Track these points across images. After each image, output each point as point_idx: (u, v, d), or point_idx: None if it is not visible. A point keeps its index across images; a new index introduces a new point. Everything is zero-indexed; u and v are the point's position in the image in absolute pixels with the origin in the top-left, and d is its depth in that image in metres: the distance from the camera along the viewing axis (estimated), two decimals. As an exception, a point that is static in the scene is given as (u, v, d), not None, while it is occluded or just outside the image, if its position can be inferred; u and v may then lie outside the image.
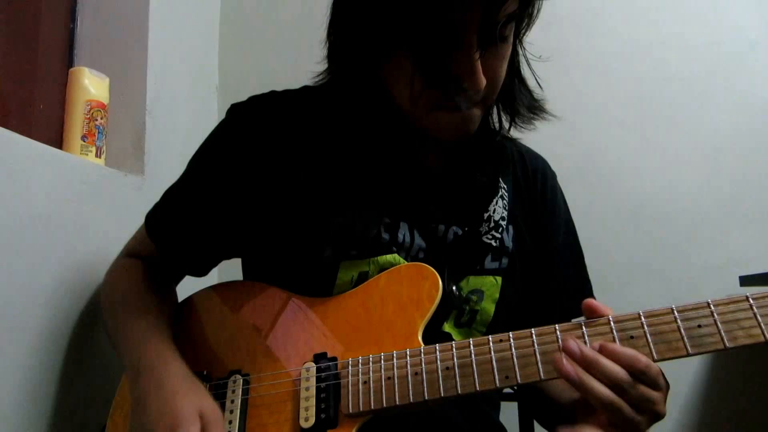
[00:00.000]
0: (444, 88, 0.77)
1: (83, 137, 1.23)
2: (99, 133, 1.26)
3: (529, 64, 0.91)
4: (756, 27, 1.67)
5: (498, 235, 0.92)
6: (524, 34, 0.85)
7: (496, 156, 0.97)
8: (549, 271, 0.99)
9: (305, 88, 0.95)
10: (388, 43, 0.77)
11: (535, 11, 0.79)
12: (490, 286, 0.91)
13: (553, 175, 1.06)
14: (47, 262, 0.99)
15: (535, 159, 1.06)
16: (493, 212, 0.93)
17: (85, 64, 1.31)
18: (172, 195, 0.97)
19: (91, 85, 1.26)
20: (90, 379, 1.07)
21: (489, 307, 0.91)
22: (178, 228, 0.94)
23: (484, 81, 0.76)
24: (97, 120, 1.25)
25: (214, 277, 1.59)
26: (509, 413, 1.15)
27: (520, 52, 0.89)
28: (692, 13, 1.71)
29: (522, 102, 0.91)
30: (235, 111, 0.94)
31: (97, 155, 1.26)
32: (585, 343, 0.68)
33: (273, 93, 0.95)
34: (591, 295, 1.01)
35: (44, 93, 1.24)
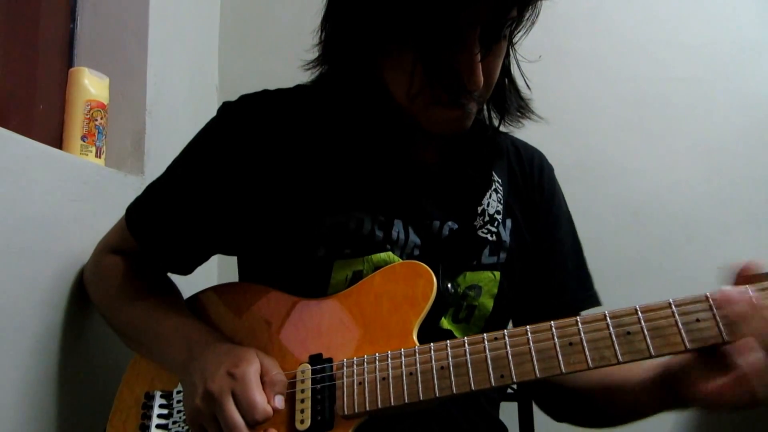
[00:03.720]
0: (445, 85, 0.77)
1: (83, 137, 1.23)
2: (99, 133, 1.26)
3: (518, 65, 0.92)
4: (756, 27, 1.67)
5: (494, 229, 0.92)
6: (519, 38, 0.86)
7: (488, 150, 0.97)
8: (550, 263, 0.99)
9: (299, 86, 0.95)
10: (390, 37, 0.77)
11: (534, 16, 0.80)
12: (488, 281, 0.91)
13: (550, 168, 1.06)
14: (47, 262, 0.99)
15: (531, 151, 1.06)
16: (488, 206, 0.92)
17: (85, 64, 1.31)
18: (156, 190, 0.96)
19: (91, 85, 1.26)
20: (89, 381, 1.07)
21: (487, 302, 0.91)
22: (162, 225, 0.94)
23: (482, 80, 0.77)
24: (97, 120, 1.26)
25: (214, 277, 1.61)
26: (509, 413, 1.15)
27: (512, 53, 0.89)
28: (692, 13, 1.71)
29: (511, 101, 0.92)
30: (226, 109, 0.94)
31: (97, 155, 1.26)
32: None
33: (265, 92, 0.95)
34: (593, 289, 1.01)
35: (44, 93, 1.24)
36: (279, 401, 0.75)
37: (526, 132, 0.97)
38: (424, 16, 0.72)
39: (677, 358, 0.72)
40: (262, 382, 0.75)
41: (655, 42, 1.71)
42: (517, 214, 0.97)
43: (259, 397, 0.72)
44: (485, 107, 0.93)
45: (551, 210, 1.01)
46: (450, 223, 0.91)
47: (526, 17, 0.79)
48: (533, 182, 1.01)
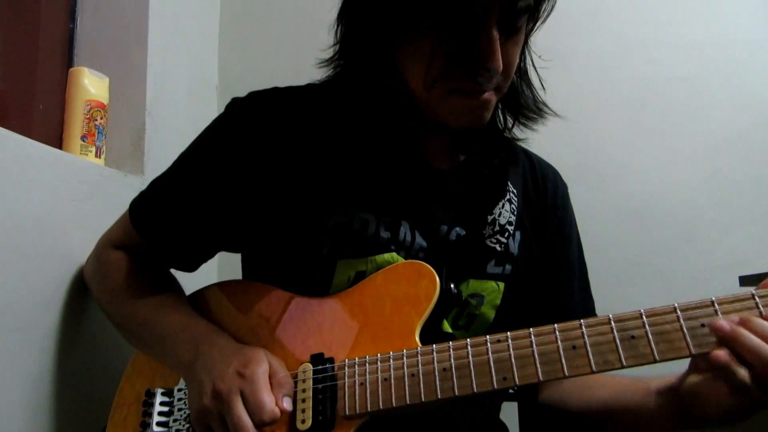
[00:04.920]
0: (466, 66, 0.77)
1: (83, 137, 1.23)
2: (99, 133, 1.26)
3: (534, 66, 0.92)
4: (756, 27, 1.67)
5: (503, 240, 0.92)
6: (532, 33, 0.86)
7: (503, 156, 0.96)
8: (557, 283, 0.98)
9: (309, 85, 0.94)
10: (409, 23, 0.77)
11: (548, 12, 0.81)
12: (492, 291, 0.90)
13: (565, 186, 1.06)
14: (47, 262, 0.99)
15: (546, 168, 1.05)
16: (499, 215, 0.92)
17: (85, 64, 1.31)
18: (160, 186, 0.95)
19: (91, 85, 1.26)
20: (90, 379, 1.07)
21: (489, 312, 0.90)
22: (167, 220, 0.93)
23: (501, 63, 0.77)
24: (96, 120, 1.25)
25: (214, 275, 1.60)
26: (509, 413, 1.15)
27: (527, 53, 0.90)
28: (692, 13, 1.71)
29: (526, 101, 0.92)
30: (234, 106, 0.93)
31: (97, 155, 1.26)
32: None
33: (275, 89, 0.94)
34: (594, 311, 1.01)
35: (44, 93, 1.24)
36: (287, 403, 0.75)
37: (526, 131, 0.97)
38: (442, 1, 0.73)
39: (684, 375, 0.72)
40: (271, 384, 0.75)
41: (655, 42, 1.71)
42: (528, 227, 0.96)
43: (268, 398, 0.72)
44: (500, 109, 0.93)
45: (563, 229, 1.01)
46: (458, 228, 0.90)
47: (542, 8, 0.80)
48: (546, 199, 1.01)
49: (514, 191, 0.96)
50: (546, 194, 1.01)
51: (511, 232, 0.93)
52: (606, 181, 1.68)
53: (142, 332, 0.92)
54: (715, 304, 0.64)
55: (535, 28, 0.85)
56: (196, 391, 0.77)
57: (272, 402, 0.72)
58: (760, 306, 0.63)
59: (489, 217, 0.91)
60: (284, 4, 1.85)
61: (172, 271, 1.03)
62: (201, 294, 0.96)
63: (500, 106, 0.93)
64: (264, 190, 0.89)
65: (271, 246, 0.91)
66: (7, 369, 0.91)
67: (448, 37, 0.76)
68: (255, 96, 0.93)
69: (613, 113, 1.71)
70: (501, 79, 0.80)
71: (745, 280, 1.37)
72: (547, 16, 0.82)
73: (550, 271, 0.98)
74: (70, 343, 1.03)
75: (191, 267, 1.00)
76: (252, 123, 0.90)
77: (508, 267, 0.92)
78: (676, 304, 0.66)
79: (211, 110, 1.74)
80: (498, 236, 0.91)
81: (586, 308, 1.01)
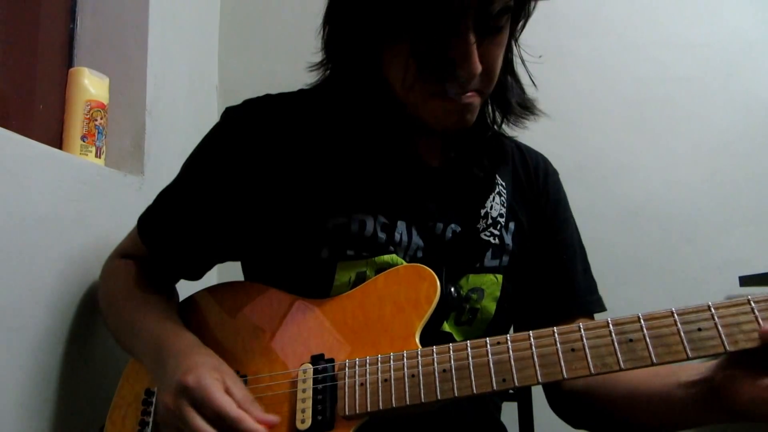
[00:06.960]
0: (436, 74, 0.77)
1: (83, 137, 1.23)
2: (99, 133, 1.26)
3: (523, 62, 0.92)
4: (756, 27, 1.67)
5: (497, 232, 0.92)
6: (520, 31, 0.86)
7: (492, 150, 0.97)
8: (558, 267, 0.99)
9: (301, 90, 0.95)
10: (387, 29, 0.77)
11: (531, 8, 0.81)
12: (491, 284, 0.91)
13: (555, 172, 1.06)
14: (47, 262, 0.99)
15: (536, 156, 1.06)
16: (491, 209, 0.93)
17: (85, 64, 1.31)
18: (165, 198, 0.97)
19: (91, 85, 1.26)
20: (89, 379, 1.08)
21: (490, 305, 0.91)
22: (171, 232, 0.95)
23: (479, 67, 0.76)
24: (96, 120, 1.25)
25: (213, 277, 1.60)
26: (509, 413, 1.15)
27: (515, 49, 0.89)
28: (692, 13, 1.71)
29: (514, 99, 0.92)
30: (229, 114, 0.94)
31: (97, 155, 1.26)
32: None
33: (268, 96, 0.95)
34: (598, 293, 1.01)
35: (44, 93, 1.24)
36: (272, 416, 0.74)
37: (526, 131, 0.97)
38: (415, 4, 0.72)
39: (720, 367, 0.70)
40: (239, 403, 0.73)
41: (655, 42, 1.71)
42: (521, 217, 0.97)
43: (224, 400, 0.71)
44: (489, 105, 0.93)
45: (557, 214, 1.01)
46: (453, 225, 0.91)
47: (521, 9, 0.80)
48: (538, 187, 1.01)
49: (503, 183, 0.97)
50: (537, 182, 1.02)
51: (503, 224, 0.94)
52: (606, 181, 1.69)
53: (123, 336, 0.94)
54: (712, 309, 0.65)
55: (520, 25, 0.84)
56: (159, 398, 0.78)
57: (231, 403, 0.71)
58: (756, 311, 0.63)
59: (482, 210, 0.92)
60: (284, 4, 1.85)
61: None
62: (202, 295, 0.97)
63: (489, 104, 0.93)
64: (262, 196, 0.89)
65: (272, 251, 0.92)
66: (6, 369, 0.91)
67: (421, 41, 0.75)
68: (248, 104, 0.94)
69: (613, 113, 1.71)
70: (482, 81, 0.80)
71: (745, 280, 1.38)
72: (531, 13, 0.82)
73: (551, 255, 0.98)
74: (70, 343, 1.03)
75: (196, 276, 1.01)
76: (247, 131, 0.91)
77: (505, 258, 0.93)
78: (673, 309, 0.66)
79: (211, 110, 1.75)
80: (491, 229, 0.92)
81: (590, 289, 1.00)
